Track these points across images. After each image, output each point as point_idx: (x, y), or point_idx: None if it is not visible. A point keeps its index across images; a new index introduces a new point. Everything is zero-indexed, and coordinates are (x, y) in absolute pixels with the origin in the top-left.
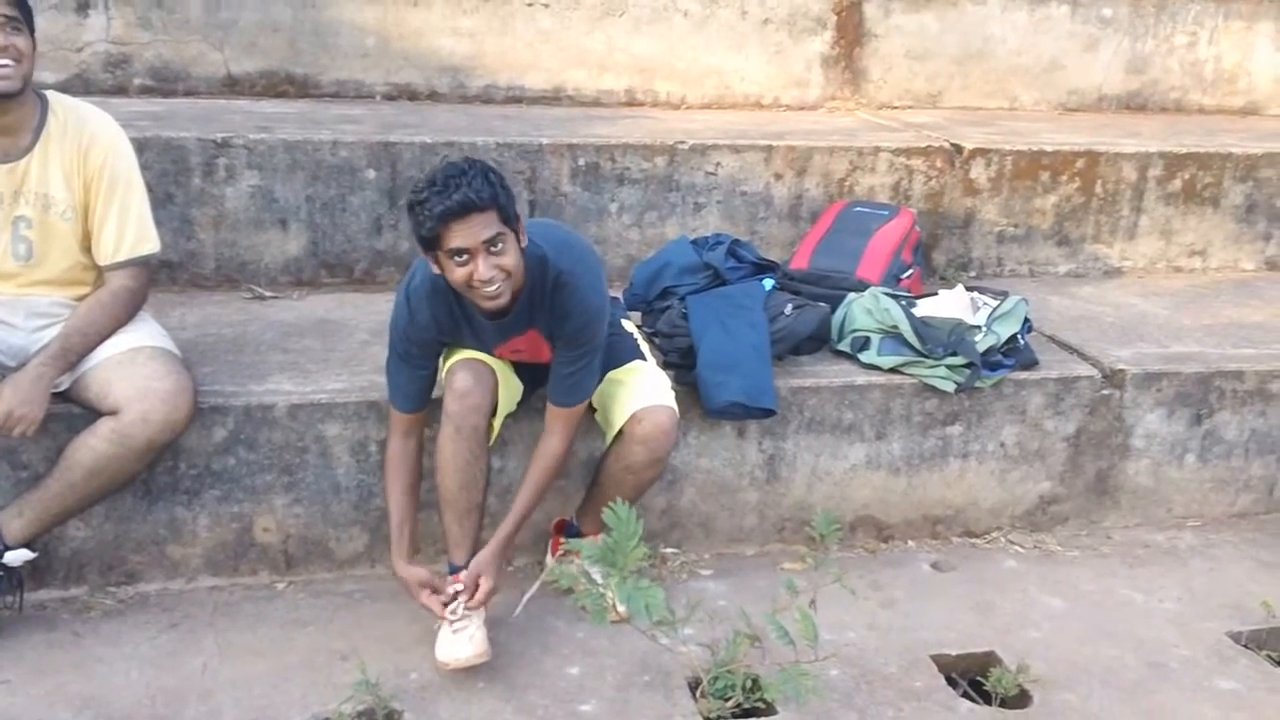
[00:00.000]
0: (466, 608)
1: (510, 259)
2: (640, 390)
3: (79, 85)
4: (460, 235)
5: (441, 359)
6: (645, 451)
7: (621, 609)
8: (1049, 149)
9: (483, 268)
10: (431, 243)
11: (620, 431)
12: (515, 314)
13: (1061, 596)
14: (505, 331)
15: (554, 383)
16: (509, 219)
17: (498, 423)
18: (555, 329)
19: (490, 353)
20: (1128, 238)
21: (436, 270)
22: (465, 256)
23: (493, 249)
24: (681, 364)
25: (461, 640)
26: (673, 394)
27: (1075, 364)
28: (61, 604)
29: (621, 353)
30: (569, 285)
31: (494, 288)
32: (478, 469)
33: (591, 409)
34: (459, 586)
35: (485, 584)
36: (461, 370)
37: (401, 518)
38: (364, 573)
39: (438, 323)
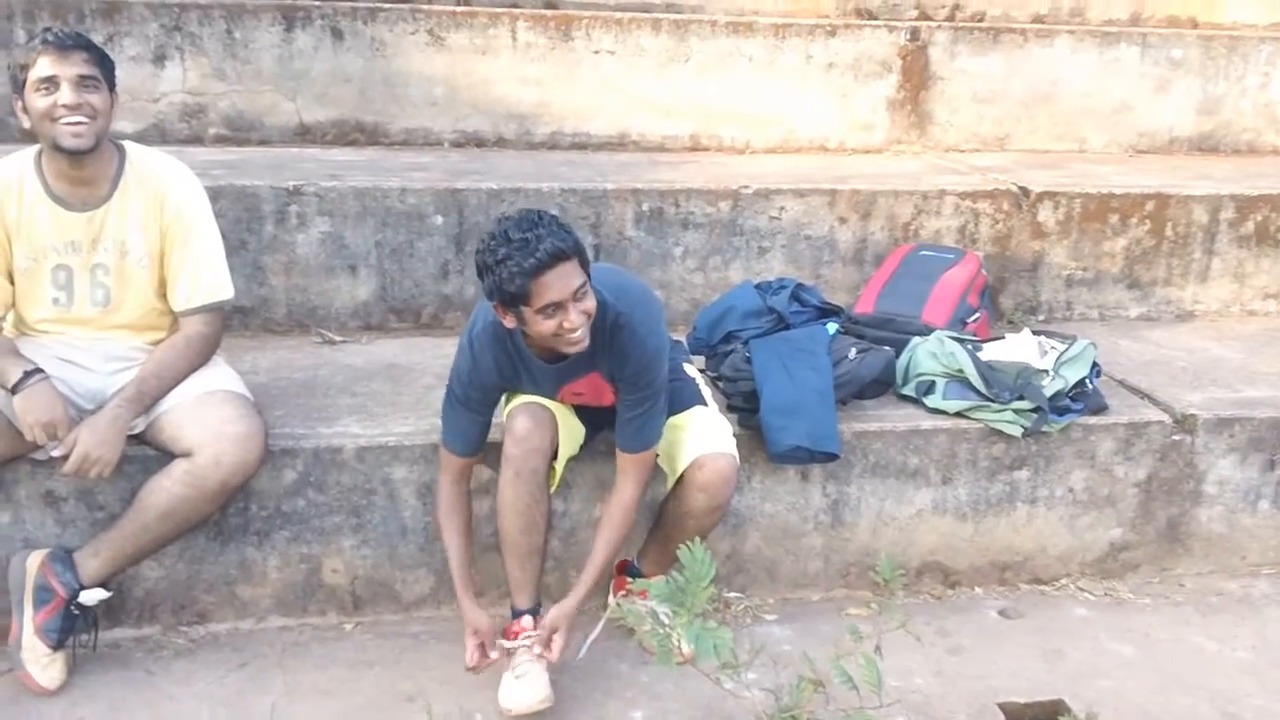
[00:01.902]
0: (539, 655)
1: (592, 302)
2: (701, 436)
3: (156, 135)
4: (553, 289)
5: (502, 403)
6: (705, 498)
7: (687, 649)
8: (1118, 191)
9: (574, 315)
10: (518, 299)
11: (681, 477)
12: (575, 358)
13: (1133, 645)
14: (564, 375)
15: (621, 428)
16: (586, 264)
17: (560, 466)
18: (616, 372)
19: (552, 397)
20: (1200, 281)
21: (512, 324)
22: (553, 309)
23: (578, 296)
24: (745, 408)
25: (524, 687)
26: (733, 440)
27: (1146, 409)
28: (135, 643)
29: (683, 397)
30: (627, 328)
31: (579, 333)
32: (538, 512)
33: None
34: (529, 637)
35: (559, 639)
36: (521, 414)
37: (463, 559)
38: (430, 614)
39: (499, 368)
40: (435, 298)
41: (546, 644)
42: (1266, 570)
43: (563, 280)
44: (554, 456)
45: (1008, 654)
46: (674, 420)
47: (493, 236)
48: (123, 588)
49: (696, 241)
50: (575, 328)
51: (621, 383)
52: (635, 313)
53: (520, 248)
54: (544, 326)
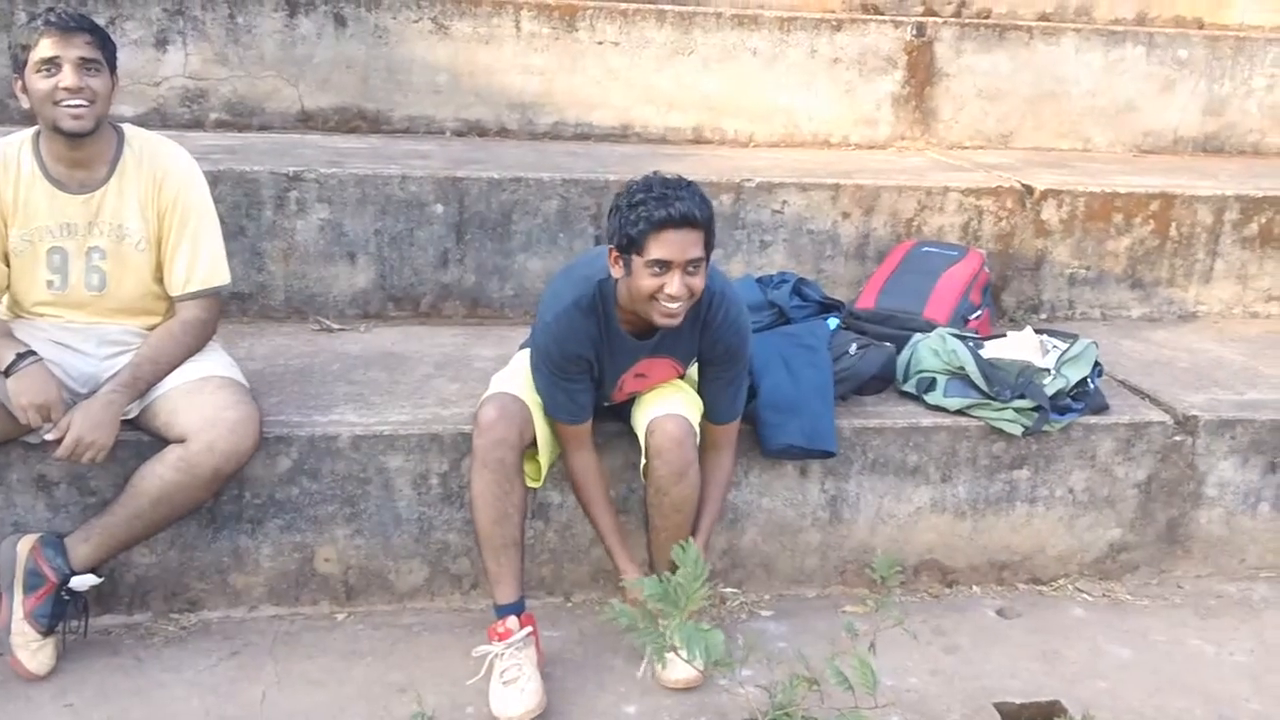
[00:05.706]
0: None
1: (701, 283)
2: (657, 403)
3: (157, 119)
4: (669, 246)
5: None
6: (662, 465)
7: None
8: (1122, 191)
9: (678, 284)
10: (634, 245)
11: (646, 453)
12: (661, 335)
13: (1130, 646)
14: (646, 351)
15: (713, 402)
16: (711, 247)
17: (544, 460)
18: (709, 349)
19: (613, 384)
20: (1203, 282)
21: (619, 274)
22: (661, 268)
23: (690, 268)
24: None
25: (513, 693)
26: (693, 408)
27: (1147, 409)
28: (125, 629)
29: None
30: (726, 306)
31: (676, 305)
32: (509, 504)
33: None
34: (518, 635)
35: None
36: (488, 405)
37: (613, 526)
38: (423, 605)
39: (591, 339)
40: (434, 287)
41: None
42: (1265, 574)
43: (682, 244)
44: (530, 447)
45: (1004, 654)
46: (641, 395)
47: (636, 183)
48: (114, 574)
49: None
50: (676, 297)
51: (715, 359)
52: (730, 292)
53: (658, 199)
54: (646, 283)
